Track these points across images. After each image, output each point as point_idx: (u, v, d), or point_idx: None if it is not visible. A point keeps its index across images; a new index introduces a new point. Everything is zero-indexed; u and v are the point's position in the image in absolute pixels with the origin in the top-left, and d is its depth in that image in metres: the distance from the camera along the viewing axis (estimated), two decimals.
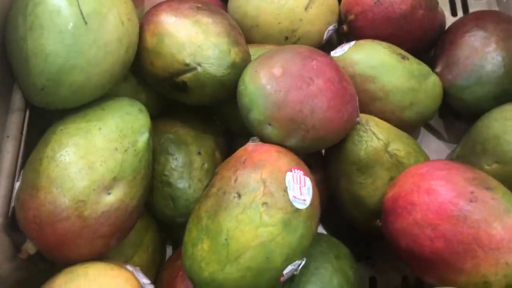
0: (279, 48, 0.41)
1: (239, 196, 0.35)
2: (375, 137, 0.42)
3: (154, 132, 0.42)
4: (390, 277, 0.49)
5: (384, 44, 0.48)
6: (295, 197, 0.35)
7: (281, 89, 0.37)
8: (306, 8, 0.50)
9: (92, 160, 0.34)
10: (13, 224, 0.37)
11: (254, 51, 0.46)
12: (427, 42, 0.53)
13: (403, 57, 0.48)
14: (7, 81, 0.38)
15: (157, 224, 0.46)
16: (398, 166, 0.42)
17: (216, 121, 0.49)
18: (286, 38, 0.50)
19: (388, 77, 0.47)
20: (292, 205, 0.35)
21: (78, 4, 0.34)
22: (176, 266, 0.42)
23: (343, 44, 0.50)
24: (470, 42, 0.49)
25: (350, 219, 0.46)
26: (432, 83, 0.49)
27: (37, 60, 0.34)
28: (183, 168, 0.44)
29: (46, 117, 0.42)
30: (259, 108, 0.38)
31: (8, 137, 0.38)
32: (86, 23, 0.34)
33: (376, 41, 0.49)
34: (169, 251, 0.50)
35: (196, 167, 0.44)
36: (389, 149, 0.42)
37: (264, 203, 0.34)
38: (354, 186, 0.43)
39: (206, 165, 0.45)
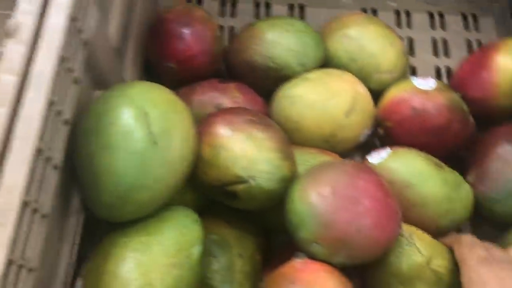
0: (326, 165, 0.43)
1: None
2: (419, 252, 0.43)
3: None
4: None
5: (421, 153, 0.51)
6: None
7: (329, 210, 0.39)
8: (347, 115, 0.52)
9: (152, 277, 0.36)
10: None
11: (296, 154, 0.48)
12: (458, 151, 0.55)
13: (439, 167, 0.50)
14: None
15: None
16: (438, 283, 0.43)
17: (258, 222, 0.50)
18: (326, 142, 0.53)
19: (425, 184, 0.48)
20: None
21: (148, 125, 0.37)
22: None
23: (379, 150, 0.52)
24: (502, 155, 0.51)
25: None
26: (465, 192, 0.51)
27: (108, 179, 0.36)
28: (225, 271, 0.45)
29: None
30: (308, 227, 0.39)
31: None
32: (155, 143, 0.37)
33: (413, 150, 0.51)
34: None
35: (237, 270, 0.46)
36: (432, 265, 0.43)
37: None
38: None
39: (246, 268, 0.46)
